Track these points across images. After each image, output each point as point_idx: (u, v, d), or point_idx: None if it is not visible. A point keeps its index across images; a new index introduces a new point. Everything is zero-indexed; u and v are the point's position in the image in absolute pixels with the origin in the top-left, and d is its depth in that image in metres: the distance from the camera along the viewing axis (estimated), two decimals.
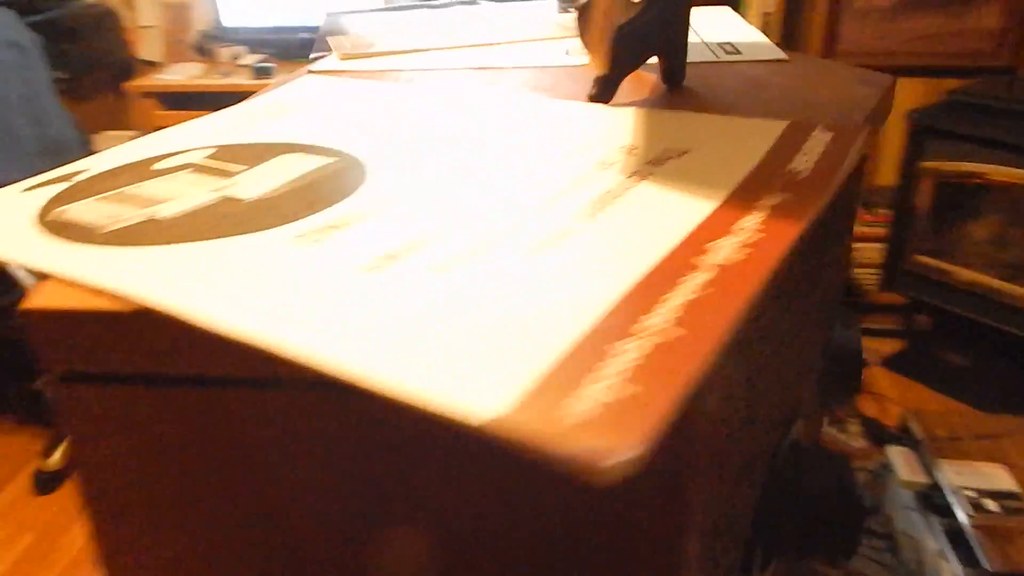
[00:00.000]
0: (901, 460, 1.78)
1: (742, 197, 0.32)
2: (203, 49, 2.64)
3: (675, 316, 0.23)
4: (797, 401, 0.47)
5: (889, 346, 2.44)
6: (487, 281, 0.26)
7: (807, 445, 0.50)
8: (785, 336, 0.42)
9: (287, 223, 0.32)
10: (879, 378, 2.32)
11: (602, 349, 0.22)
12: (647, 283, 0.25)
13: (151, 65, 2.66)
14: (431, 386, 0.20)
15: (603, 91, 0.46)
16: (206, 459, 0.29)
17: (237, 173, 0.38)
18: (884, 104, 0.49)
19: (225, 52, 2.57)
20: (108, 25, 2.51)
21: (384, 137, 0.42)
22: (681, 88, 0.51)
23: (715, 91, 0.50)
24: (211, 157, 0.40)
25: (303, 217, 0.32)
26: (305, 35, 2.39)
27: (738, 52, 0.61)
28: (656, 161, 0.37)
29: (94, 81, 2.45)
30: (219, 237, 0.30)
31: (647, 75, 0.53)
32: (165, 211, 0.34)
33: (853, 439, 2.11)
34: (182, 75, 2.51)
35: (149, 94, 2.47)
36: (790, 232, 0.28)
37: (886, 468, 1.82)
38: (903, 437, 1.92)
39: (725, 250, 0.27)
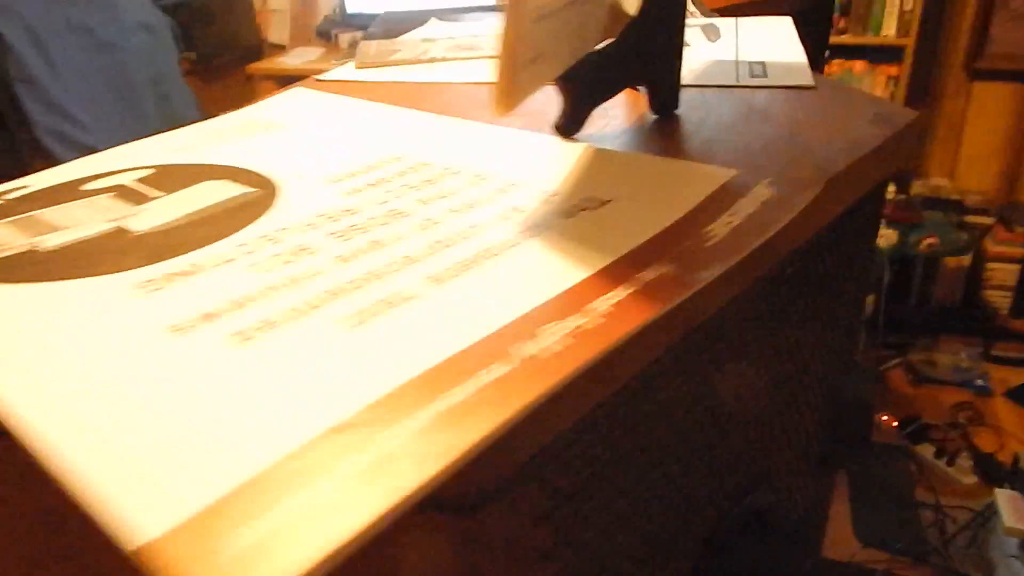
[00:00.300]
0: (1009, 504, 1.64)
1: (626, 265, 0.29)
2: (326, 34, 2.72)
3: (420, 426, 0.20)
4: (758, 466, 0.43)
5: (1017, 376, 2.25)
6: (270, 360, 0.24)
7: (780, 520, 0.45)
8: (727, 402, 0.38)
9: (148, 265, 0.31)
10: (1002, 410, 2.14)
11: (320, 464, 0.19)
12: (434, 375, 0.23)
13: (278, 48, 2.76)
14: (109, 491, 0.19)
15: (567, 124, 0.43)
16: (20, 511, 0.28)
17: (151, 200, 0.37)
18: (897, 145, 0.44)
19: (345, 37, 2.63)
20: (239, 9, 2.62)
21: (319, 167, 0.40)
22: (671, 116, 0.47)
23: (704, 123, 0.45)
24: (141, 180, 0.40)
25: (167, 259, 0.31)
26: None
27: (764, 75, 0.56)
28: (568, 212, 0.33)
29: (222, 63, 2.57)
30: (71, 278, 0.30)
31: (643, 99, 0.49)
32: (49, 242, 0.33)
33: (963, 475, 1.96)
34: (301, 59, 2.59)
35: (270, 76, 2.57)
36: (637, 318, 0.25)
37: (992, 510, 1.68)
38: (1015, 478, 1.77)
39: (553, 336, 0.24)
